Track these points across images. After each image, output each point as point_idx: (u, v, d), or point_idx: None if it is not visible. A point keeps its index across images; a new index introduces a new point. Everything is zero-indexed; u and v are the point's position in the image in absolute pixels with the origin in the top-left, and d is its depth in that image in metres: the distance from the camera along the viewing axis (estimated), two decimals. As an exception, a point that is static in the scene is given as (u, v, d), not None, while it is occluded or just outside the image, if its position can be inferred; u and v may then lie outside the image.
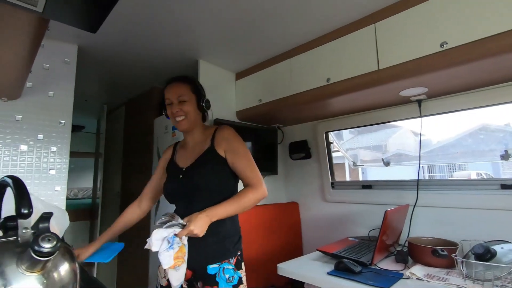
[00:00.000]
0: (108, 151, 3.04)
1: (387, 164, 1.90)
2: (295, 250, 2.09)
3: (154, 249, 0.85)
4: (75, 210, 3.29)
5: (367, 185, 1.83)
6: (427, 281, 1.05)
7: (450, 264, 1.15)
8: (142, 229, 2.17)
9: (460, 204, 1.42)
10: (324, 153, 2.01)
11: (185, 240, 0.90)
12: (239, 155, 1.08)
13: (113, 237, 1.17)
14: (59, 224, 1.09)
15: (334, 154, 2.07)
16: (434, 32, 1.14)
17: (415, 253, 1.25)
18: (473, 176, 3.92)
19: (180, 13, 1.35)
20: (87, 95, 2.65)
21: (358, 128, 2.11)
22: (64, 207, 1.48)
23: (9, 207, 0.57)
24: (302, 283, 1.25)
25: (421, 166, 1.55)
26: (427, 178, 3.93)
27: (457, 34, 1.08)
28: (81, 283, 0.51)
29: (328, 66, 1.50)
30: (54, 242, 0.40)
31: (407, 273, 1.13)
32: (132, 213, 1.23)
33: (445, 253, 1.14)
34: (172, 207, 1.15)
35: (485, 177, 3.49)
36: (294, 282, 1.28)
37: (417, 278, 1.09)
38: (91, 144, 3.82)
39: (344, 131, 2.36)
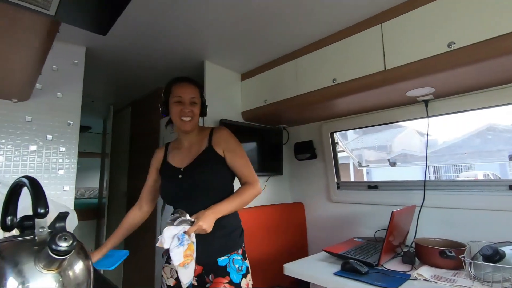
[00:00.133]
0: (114, 151, 3.07)
1: (393, 164, 1.89)
2: (300, 250, 2.09)
3: (166, 246, 0.88)
4: (82, 209, 3.33)
5: (373, 186, 1.83)
6: (435, 282, 1.05)
7: (457, 266, 1.15)
8: (148, 229, 2.19)
9: (467, 205, 1.41)
10: (329, 153, 2.01)
11: (193, 237, 0.93)
12: (237, 154, 1.14)
13: (118, 243, 1.18)
14: (68, 223, 1.11)
15: (338, 155, 2.07)
16: (442, 32, 1.13)
17: (422, 254, 1.25)
18: (480, 176, 3.88)
19: (186, 15, 1.37)
20: (93, 96, 2.68)
21: (363, 128, 2.10)
22: (72, 207, 1.50)
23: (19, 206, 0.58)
24: (308, 283, 1.25)
25: (427, 166, 1.54)
26: (432, 178, 3.90)
27: (465, 34, 1.07)
28: (94, 283, 0.52)
29: (334, 67, 1.49)
30: (71, 241, 0.41)
31: (414, 274, 1.12)
32: (134, 218, 1.24)
33: (453, 254, 1.14)
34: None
35: (493, 178, 3.45)
36: (299, 282, 1.29)
37: (424, 279, 1.08)
38: (97, 145, 3.87)
39: (348, 131, 2.36)
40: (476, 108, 1.41)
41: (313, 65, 1.61)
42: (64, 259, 0.42)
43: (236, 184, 1.18)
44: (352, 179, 2.82)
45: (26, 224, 0.48)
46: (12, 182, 1.33)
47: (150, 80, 2.26)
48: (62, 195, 1.49)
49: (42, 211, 0.44)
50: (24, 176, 0.48)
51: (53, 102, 1.51)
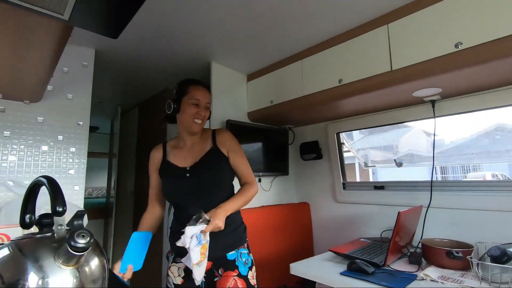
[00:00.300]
0: (121, 151, 3.11)
1: (399, 165, 1.89)
2: (306, 250, 2.10)
3: (187, 245, 0.92)
4: (90, 208, 3.38)
5: (380, 186, 1.82)
6: (442, 282, 1.05)
7: (465, 266, 1.14)
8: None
9: (475, 205, 1.40)
10: (335, 153, 2.01)
11: (207, 236, 0.97)
12: (239, 155, 1.22)
13: None
14: (80, 222, 1.13)
15: (344, 155, 2.07)
16: (449, 32, 1.13)
17: (429, 254, 1.25)
18: (488, 177, 3.84)
19: (193, 18, 1.38)
20: (101, 97, 2.72)
21: (369, 128, 2.10)
22: (82, 206, 1.53)
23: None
24: (314, 283, 1.26)
25: (434, 167, 1.54)
26: (439, 179, 3.87)
27: (473, 34, 1.07)
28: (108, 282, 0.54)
29: (340, 67, 1.50)
30: (88, 238, 0.43)
31: (421, 274, 1.12)
32: (152, 218, 1.25)
33: (460, 255, 1.14)
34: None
35: (501, 179, 3.40)
36: (305, 282, 1.30)
37: (431, 280, 1.08)
38: (105, 145, 3.92)
39: (354, 131, 2.35)
40: (484, 108, 1.40)
41: (319, 66, 1.61)
42: (82, 255, 0.44)
43: (235, 183, 1.24)
44: (358, 180, 2.81)
45: (45, 222, 0.50)
46: (25, 181, 1.36)
47: (157, 81, 2.29)
48: (72, 194, 1.53)
49: (61, 209, 0.45)
50: (42, 176, 0.50)
51: (63, 103, 1.55)
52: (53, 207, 0.46)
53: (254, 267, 1.18)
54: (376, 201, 1.79)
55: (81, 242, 0.42)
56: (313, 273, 1.25)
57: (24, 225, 0.54)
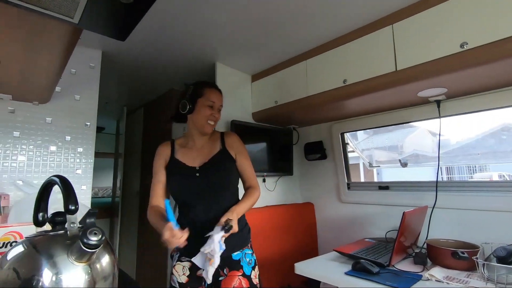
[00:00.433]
0: (127, 151, 3.14)
1: (404, 165, 1.88)
2: (310, 250, 2.10)
3: (217, 251, 0.97)
4: (96, 208, 3.42)
5: (384, 186, 1.82)
6: (447, 283, 1.05)
7: (470, 267, 1.14)
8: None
9: (481, 206, 1.39)
10: (340, 154, 2.01)
11: (223, 239, 1.01)
12: (245, 158, 1.27)
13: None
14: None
15: (348, 155, 2.07)
16: (454, 32, 1.13)
17: (434, 255, 1.24)
18: (495, 177, 3.79)
19: (197, 19, 1.40)
20: (108, 98, 2.75)
21: (373, 128, 2.09)
22: (89, 205, 1.56)
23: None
24: (318, 283, 1.27)
25: (439, 167, 1.53)
26: (445, 179, 3.84)
27: (478, 34, 1.07)
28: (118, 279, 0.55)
29: (345, 68, 1.50)
30: (100, 236, 0.44)
31: (426, 274, 1.12)
32: (160, 209, 1.17)
33: (466, 255, 1.13)
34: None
35: (508, 179, 3.37)
36: (310, 281, 1.30)
37: (436, 280, 1.08)
38: (111, 145, 3.96)
39: (359, 131, 2.35)
40: (490, 108, 1.39)
41: (324, 66, 1.62)
42: (94, 252, 0.45)
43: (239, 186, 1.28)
44: (362, 180, 2.80)
45: (58, 220, 0.51)
46: (34, 181, 1.38)
47: (162, 82, 2.31)
48: (79, 194, 1.55)
49: (73, 207, 0.47)
50: (55, 175, 0.51)
51: (71, 104, 1.57)
52: (66, 205, 0.47)
53: (257, 267, 1.21)
54: (380, 201, 1.79)
55: (94, 239, 0.43)
56: (317, 273, 1.25)
57: (37, 223, 0.55)
